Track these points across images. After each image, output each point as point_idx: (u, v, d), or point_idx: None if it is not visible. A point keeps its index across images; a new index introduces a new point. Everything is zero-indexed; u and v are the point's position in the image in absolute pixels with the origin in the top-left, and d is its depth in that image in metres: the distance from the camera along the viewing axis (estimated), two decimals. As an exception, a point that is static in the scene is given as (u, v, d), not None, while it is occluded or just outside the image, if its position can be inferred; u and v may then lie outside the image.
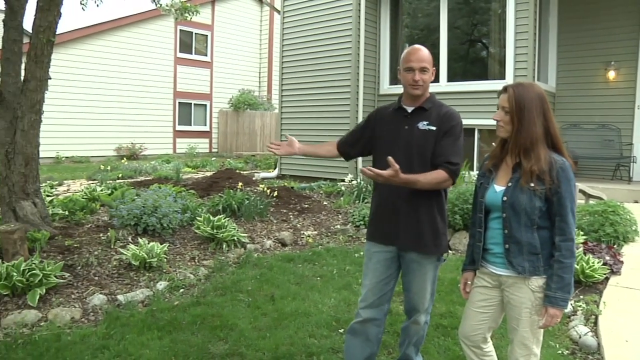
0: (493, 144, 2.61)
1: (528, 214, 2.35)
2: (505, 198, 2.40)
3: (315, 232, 6.94)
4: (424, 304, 2.98)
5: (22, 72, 5.73)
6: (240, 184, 8.41)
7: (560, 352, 3.64)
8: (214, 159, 16.40)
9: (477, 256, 2.57)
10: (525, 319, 2.39)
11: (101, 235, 5.77)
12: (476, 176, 2.66)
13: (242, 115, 19.71)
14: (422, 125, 2.85)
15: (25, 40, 5.91)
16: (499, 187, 2.47)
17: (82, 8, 7.33)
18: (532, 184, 2.32)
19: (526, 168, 2.33)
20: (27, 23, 5.95)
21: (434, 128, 2.83)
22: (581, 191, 7.01)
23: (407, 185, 2.68)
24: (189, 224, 6.38)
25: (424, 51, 2.85)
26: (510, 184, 2.41)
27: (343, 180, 9.56)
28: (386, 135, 2.96)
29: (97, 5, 7.30)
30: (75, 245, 5.36)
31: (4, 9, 5.77)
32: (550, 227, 2.36)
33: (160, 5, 8.13)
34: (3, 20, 5.70)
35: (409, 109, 2.92)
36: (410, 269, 2.93)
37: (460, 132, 2.86)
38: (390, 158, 2.55)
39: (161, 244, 5.38)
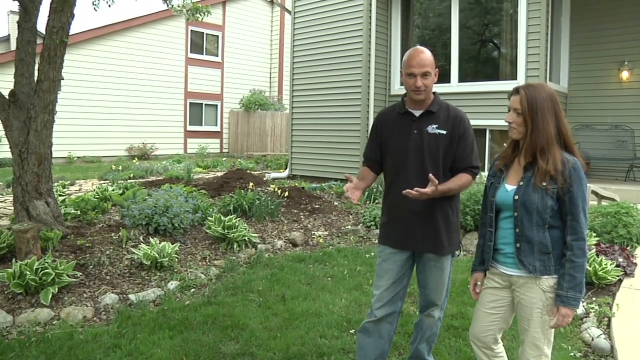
0: (504, 144, 2.61)
1: (540, 213, 2.34)
2: (516, 197, 2.40)
3: (326, 233, 6.94)
4: (440, 298, 3.02)
5: (36, 73, 5.80)
6: (251, 184, 8.43)
7: (572, 354, 3.61)
8: (224, 159, 16.45)
9: (487, 256, 2.57)
10: (537, 319, 2.38)
11: (113, 234, 5.80)
12: (486, 177, 2.66)
13: (253, 116, 19.75)
14: (431, 128, 2.84)
15: (39, 41, 5.98)
16: (510, 187, 2.46)
17: (94, 8, 7.39)
18: (545, 183, 2.32)
19: (542, 168, 2.32)
20: (41, 24, 6.02)
21: (444, 132, 2.83)
22: (594, 192, 6.95)
23: (443, 195, 2.75)
24: (200, 224, 6.41)
25: (425, 54, 2.79)
26: (522, 183, 2.41)
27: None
28: (395, 140, 2.93)
29: (109, 5, 7.37)
30: (87, 245, 5.40)
31: (18, 10, 5.83)
32: (562, 227, 2.36)
33: (172, 5, 8.18)
34: (17, 22, 5.78)
35: (416, 113, 2.89)
36: (427, 267, 2.95)
37: (472, 132, 2.90)
38: (431, 175, 2.63)
39: (172, 244, 5.41)
